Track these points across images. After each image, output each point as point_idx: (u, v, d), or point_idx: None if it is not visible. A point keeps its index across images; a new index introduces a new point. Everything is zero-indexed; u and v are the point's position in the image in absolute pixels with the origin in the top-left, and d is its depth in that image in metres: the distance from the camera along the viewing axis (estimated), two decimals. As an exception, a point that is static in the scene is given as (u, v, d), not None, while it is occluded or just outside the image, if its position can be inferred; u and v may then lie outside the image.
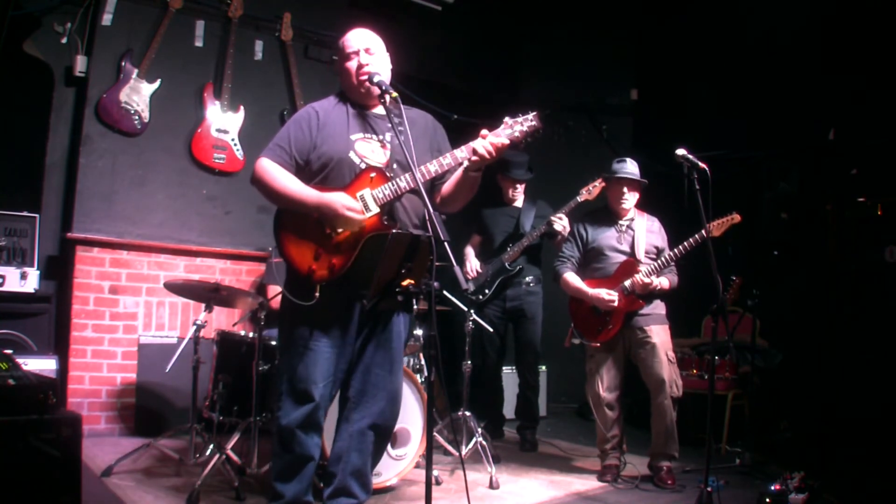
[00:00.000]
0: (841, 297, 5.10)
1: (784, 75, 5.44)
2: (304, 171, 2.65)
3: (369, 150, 2.67)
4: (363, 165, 2.63)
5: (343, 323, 2.66)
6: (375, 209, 2.58)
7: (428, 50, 6.10)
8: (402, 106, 2.60)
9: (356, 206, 2.55)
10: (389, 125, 2.68)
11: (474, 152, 2.53)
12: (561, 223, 4.45)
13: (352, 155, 2.64)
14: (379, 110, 2.75)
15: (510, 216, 4.79)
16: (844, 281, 5.14)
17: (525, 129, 2.56)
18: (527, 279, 4.73)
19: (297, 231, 2.61)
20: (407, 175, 2.57)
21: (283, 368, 2.71)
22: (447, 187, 2.74)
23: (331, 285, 2.57)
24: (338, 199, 2.53)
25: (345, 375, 2.73)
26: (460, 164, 2.60)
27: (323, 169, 2.64)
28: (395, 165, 2.67)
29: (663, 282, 3.85)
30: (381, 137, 2.71)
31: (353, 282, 2.57)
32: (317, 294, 2.54)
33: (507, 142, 2.54)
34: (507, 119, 2.58)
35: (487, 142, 2.51)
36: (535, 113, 2.58)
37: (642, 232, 3.93)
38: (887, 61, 4.84)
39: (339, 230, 2.57)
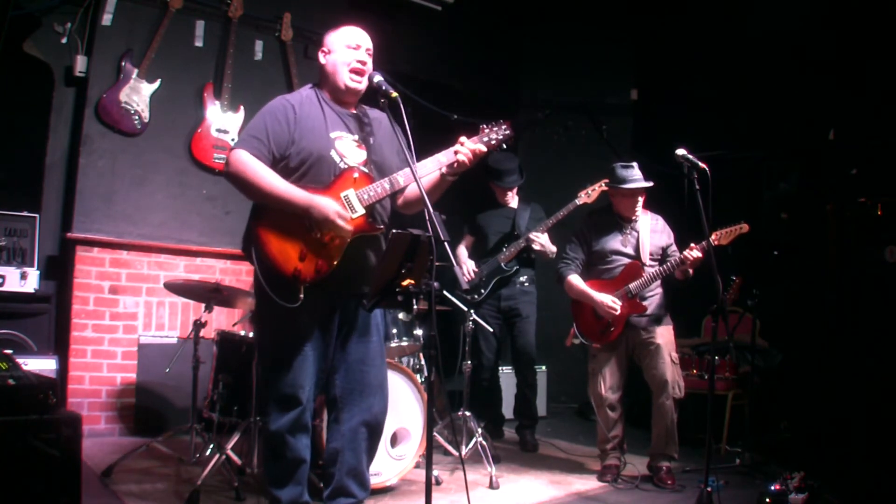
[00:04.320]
0: (841, 297, 5.10)
1: (784, 75, 5.44)
2: (280, 165, 2.59)
3: (348, 149, 2.66)
4: (343, 165, 2.62)
5: (325, 323, 2.65)
6: (361, 210, 2.58)
7: (428, 50, 6.10)
8: (365, 106, 2.66)
9: (346, 214, 2.54)
10: (364, 123, 2.71)
11: (456, 157, 2.58)
12: (538, 241, 4.49)
13: (332, 153, 2.62)
14: (354, 109, 2.76)
15: (505, 217, 4.79)
16: (844, 281, 5.14)
17: (500, 137, 2.66)
18: (521, 279, 4.74)
19: (281, 230, 2.54)
20: (393, 176, 2.60)
21: (267, 374, 2.65)
22: (417, 190, 2.70)
23: (314, 286, 2.54)
24: (330, 206, 2.50)
25: (327, 375, 2.71)
26: (441, 167, 2.63)
27: (301, 165, 2.59)
28: (371, 165, 2.66)
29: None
30: (356, 137, 2.70)
31: (336, 281, 2.57)
32: (301, 295, 2.50)
33: (486, 149, 2.62)
34: (483, 126, 2.66)
35: (467, 148, 2.58)
36: (507, 122, 2.68)
37: (646, 233, 3.92)
38: (887, 61, 4.83)
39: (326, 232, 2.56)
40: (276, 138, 2.58)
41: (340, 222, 2.51)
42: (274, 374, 2.60)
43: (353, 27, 2.76)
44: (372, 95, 2.67)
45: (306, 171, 2.59)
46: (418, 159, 2.66)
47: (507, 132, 2.65)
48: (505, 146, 2.69)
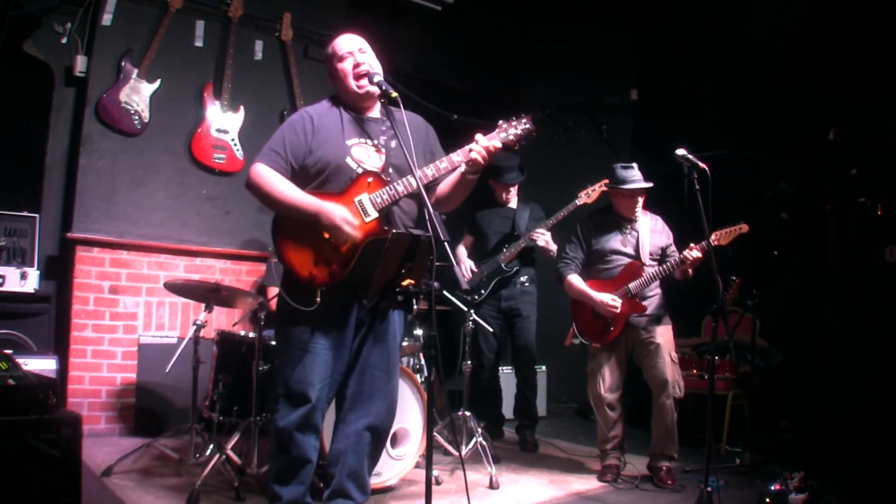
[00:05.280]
0: (841, 297, 5.10)
1: (784, 75, 5.44)
2: (300, 175, 2.65)
3: (365, 155, 2.68)
4: (359, 170, 2.64)
5: (340, 325, 2.66)
6: (374, 214, 2.58)
7: (428, 50, 6.10)
8: (392, 108, 2.63)
9: (354, 220, 2.55)
10: (384, 129, 2.72)
11: (469, 156, 2.56)
12: (543, 238, 4.48)
13: (348, 160, 2.64)
14: (373, 114, 2.77)
15: (505, 217, 4.78)
16: (844, 281, 5.14)
17: (519, 132, 2.60)
18: (521, 279, 4.73)
19: (296, 236, 2.60)
20: (405, 179, 2.59)
21: (279, 371, 2.70)
22: (443, 189, 2.75)
23: (330, 289, 2.57)
24: (337, 212, 2.53)
25: (342, 377, 2.73)
26: (456, 167, 2.62)
27: (319, 174, 2.64)
28: (390, 170, 2.68)
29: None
30: (375, 142, 2.71)
31: (353, 285, 2.58)
32: (318, 299, 2.54)
33: (501, 145, 2.57)
34: (501, 122, 2.61)
35: (481, 146, 2.55)
36: (528, 116, 2.61)
37: (646, 233, 3.93)
38: (887, 61, 4.84)
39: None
40: (293, 150, 2.64)
41: (347, 228, 2.53)
42: (285, 371, 2.65)
43: (340, 37, 2.77)
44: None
45: (325, 178, 2.63)
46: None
47: (528, 126, 2.59)
48: (524, 142, 2.60)
